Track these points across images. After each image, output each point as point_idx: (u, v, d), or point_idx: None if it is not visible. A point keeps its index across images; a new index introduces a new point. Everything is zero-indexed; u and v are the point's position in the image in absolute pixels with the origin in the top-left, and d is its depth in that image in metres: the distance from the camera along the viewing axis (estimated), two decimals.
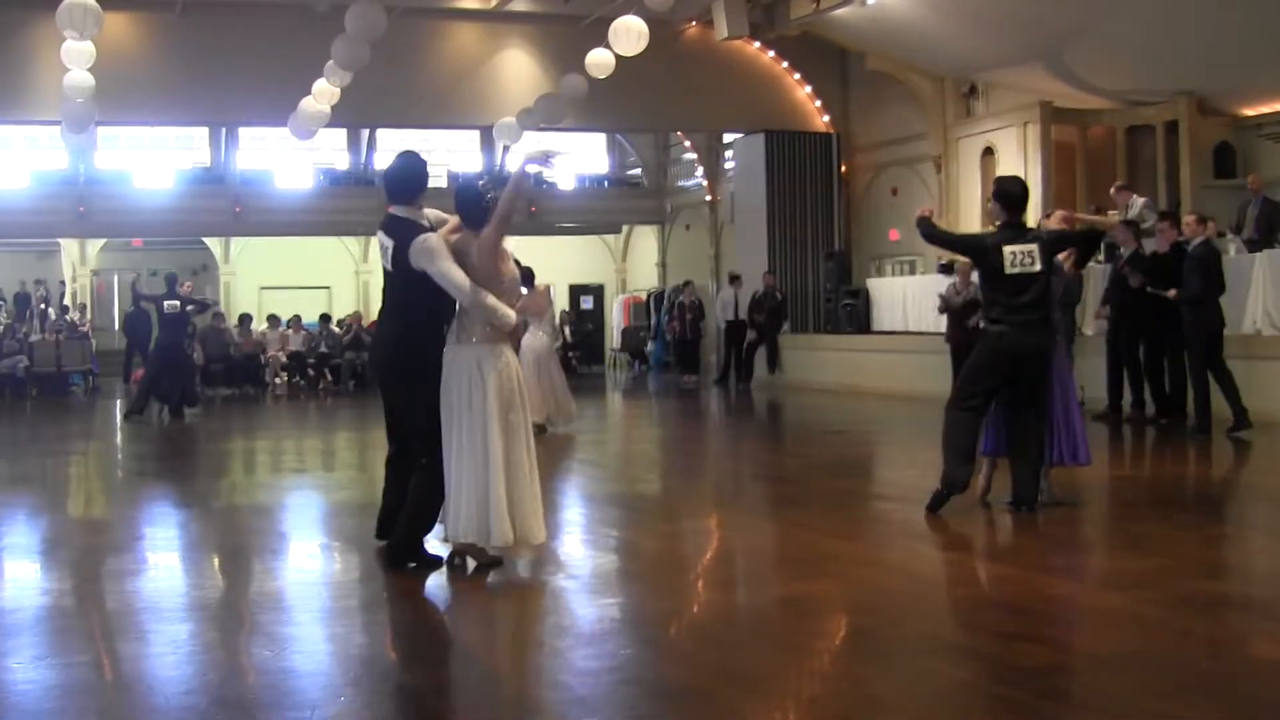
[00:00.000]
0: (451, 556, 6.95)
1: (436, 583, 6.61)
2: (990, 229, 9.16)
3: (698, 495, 10.58)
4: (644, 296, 31.73)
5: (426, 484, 6.86)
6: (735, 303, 24.14)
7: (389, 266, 6.88)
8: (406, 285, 6.82)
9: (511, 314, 6.73)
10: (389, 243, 6.82)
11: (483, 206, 6.82)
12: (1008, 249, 8.00)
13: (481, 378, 6.65)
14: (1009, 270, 7.99)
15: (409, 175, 6.97)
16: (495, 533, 6.58)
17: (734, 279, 24.64)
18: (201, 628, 5.85)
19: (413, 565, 6.84)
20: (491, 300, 6.65)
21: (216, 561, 7.65)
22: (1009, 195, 8.30)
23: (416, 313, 6.90)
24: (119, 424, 17.88)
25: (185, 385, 18.34)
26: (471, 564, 6.85)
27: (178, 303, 17.97)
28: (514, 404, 6.73)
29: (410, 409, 6.96)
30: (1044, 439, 8.34)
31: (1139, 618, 5.66)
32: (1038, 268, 7.99)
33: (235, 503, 10.18)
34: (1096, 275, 15.59)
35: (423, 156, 7.13)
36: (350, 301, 31.14)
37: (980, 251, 8.36)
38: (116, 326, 30.09)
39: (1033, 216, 20.99)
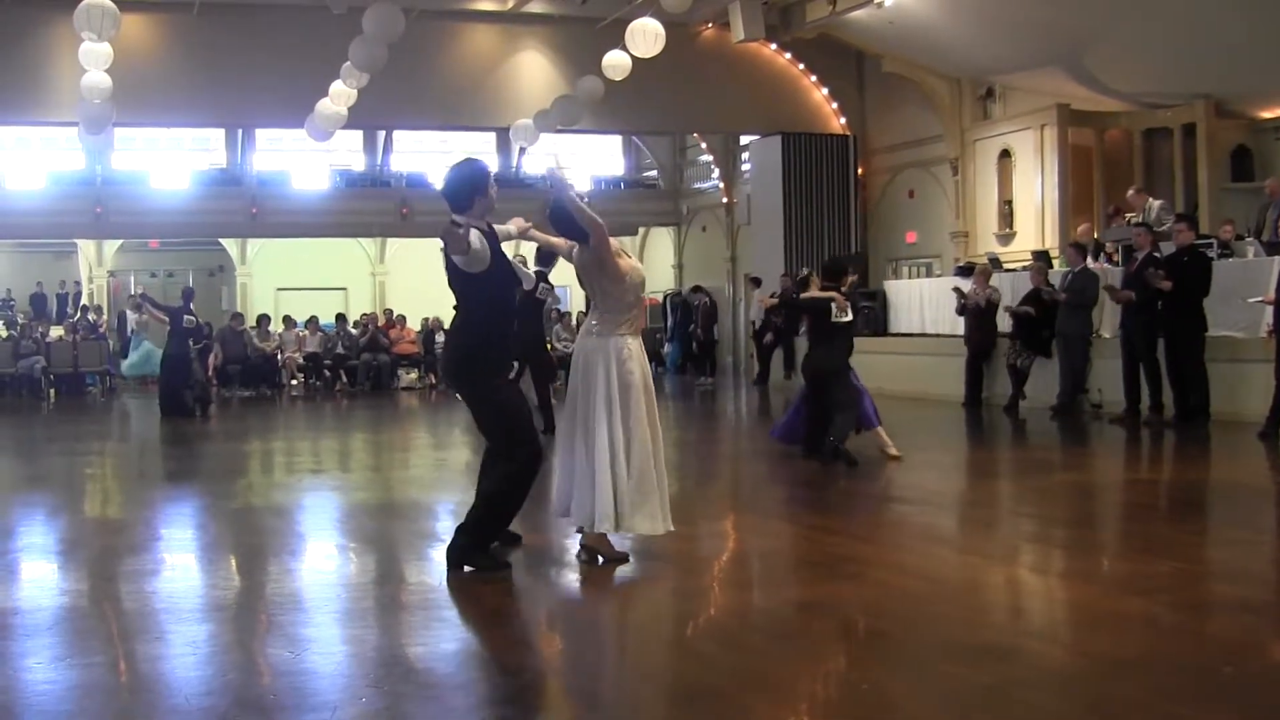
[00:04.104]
0: (579, 552, 7.00)
1: (453, 583, 6.60)
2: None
3: (715, 497, 10.56)
4: (660, 298, 31.73)
5: (503, 487, 6.79)
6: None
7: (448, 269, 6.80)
8: (462, 288, 6.79)
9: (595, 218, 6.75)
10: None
11: (579, 223, 6.88)
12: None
13: (621, 369, 6.85)
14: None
15: (458, 182, 6.79)
16: (662, 519, 6.89)
17: (757, 281, 24.68)
18: (220, 628, 5.85)
19: (469, 569, 6.71)
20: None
21: (234, 562, 7.65)
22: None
23: (474, 316, 6.84)
24: (136, 424, 17.94)
25: (196, 390, 18.57)
26: (600, 560, 6.91)
27: (194, 318, 18.47)
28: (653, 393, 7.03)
29: (478, 415, 7.01)
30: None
31: (1156, 621, 5.63)
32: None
33: (252, 503, 10.19)
34: (1114, 279, 15.54)
35: (478, 162, 7.00)
36: (366, 303, 31.21)
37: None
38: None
39: (1049, 223, 21.17)
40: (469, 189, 6.72)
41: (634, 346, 6.97)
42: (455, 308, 7.07)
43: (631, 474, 6.82)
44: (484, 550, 6.79)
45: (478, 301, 6.79)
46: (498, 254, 6.76)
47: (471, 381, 6.86)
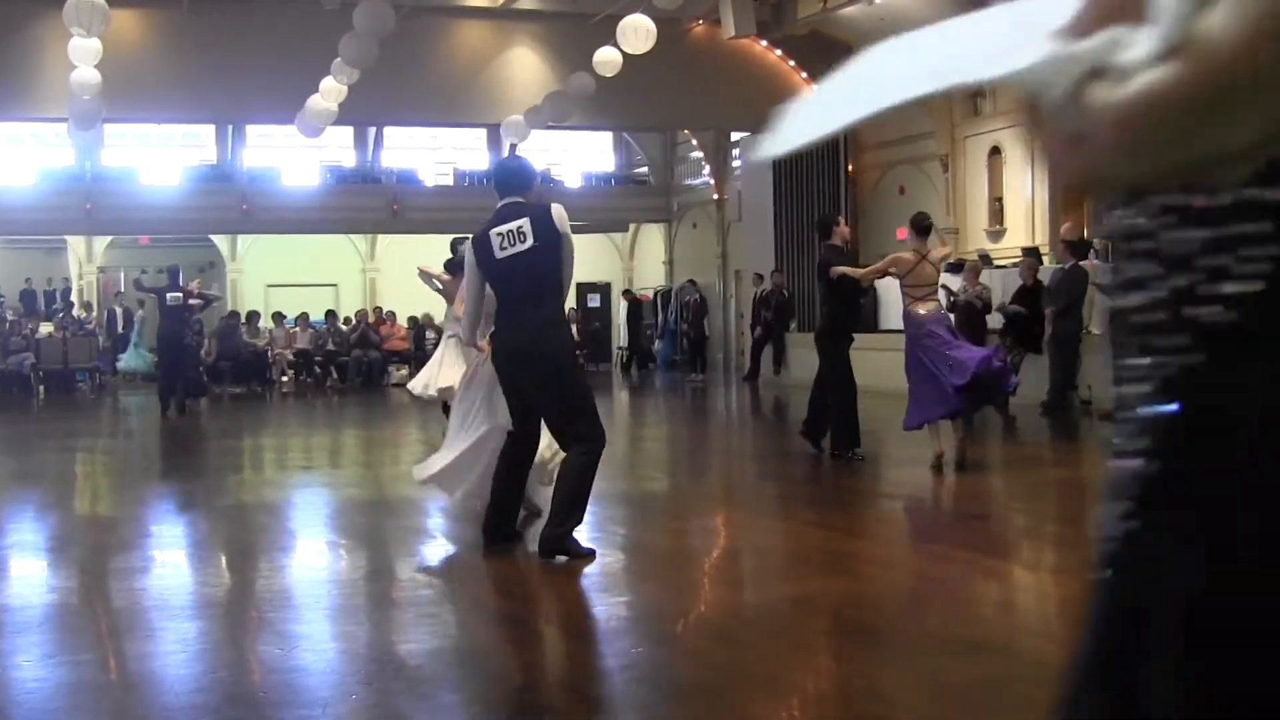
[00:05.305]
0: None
1: (446, 580, 6.59)
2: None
3: (707, 493, 10.56)
4: (651, 294, 31.71)
5: (577, 473, 6.85)
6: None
7: (525, 244, 6.78)
8: (540, 266, 6.83)
9: None
10: (522, 220, 6.80)
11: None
12: None
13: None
14: None
15: (522, 170, 7.34)
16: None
17: (760, 278, 24.74)
18: (210, 625, 5.84)
19: (562, 559, 6.75)
20: None
21: (225, 559, 7.64)
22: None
23: (552, 297, 6.97)
24: (126, 421, 17.90)
25: (187, 379, 18.37)
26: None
27: (180, 295, 17.99)
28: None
29: (565, 393, 6.92)
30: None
31: None
32: None
33: (243, 500, 10.17)
34: (1103, 275, 15.56)
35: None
36: (357, 299, 31.12)
37: None
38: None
39: (1039, 220, 21.18)
40: (530, 176, 7.26)
41: None
42: (519, 298, 6.90)
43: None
44: (573, 537, 6.89)
45: (560, 285, 6.99)
46: None
47: (569, 359, 7.05)
